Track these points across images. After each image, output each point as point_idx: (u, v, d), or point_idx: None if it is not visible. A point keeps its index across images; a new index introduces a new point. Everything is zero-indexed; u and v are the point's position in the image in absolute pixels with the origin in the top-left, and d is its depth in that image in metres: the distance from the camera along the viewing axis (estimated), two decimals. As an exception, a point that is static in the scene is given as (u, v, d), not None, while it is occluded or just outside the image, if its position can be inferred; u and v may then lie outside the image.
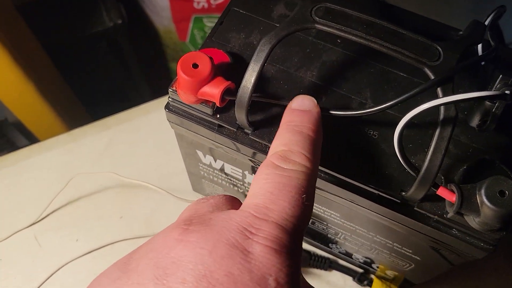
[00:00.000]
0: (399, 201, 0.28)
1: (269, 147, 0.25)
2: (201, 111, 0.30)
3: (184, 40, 0.93)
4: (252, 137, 0.30)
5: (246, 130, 0.30)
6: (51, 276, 0.43)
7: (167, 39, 0.94)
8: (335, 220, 0.35)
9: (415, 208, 0.28)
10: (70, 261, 0.44)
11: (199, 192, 0.46)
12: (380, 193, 0.28)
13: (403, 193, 0.28)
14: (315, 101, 0.24)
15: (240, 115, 0.28)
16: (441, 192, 0.26)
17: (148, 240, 0.20)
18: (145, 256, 0.18)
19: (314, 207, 0.32)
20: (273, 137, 0.24)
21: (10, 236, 0.45)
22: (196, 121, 0.31)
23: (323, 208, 0.34)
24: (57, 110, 0.67)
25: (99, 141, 0.50)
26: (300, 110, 0.23)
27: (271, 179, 0.20)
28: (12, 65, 0.56)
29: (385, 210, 0.28)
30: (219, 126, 0.30)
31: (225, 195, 0.22)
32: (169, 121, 0.32)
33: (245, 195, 0.40)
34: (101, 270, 0.42)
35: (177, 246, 0.18)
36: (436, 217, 0.27)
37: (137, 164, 0.48)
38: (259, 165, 0.28)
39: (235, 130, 0.30)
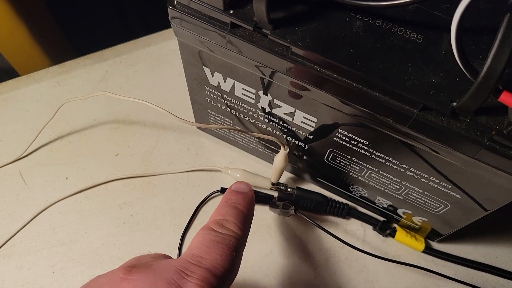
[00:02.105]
0: (447, 114, 0.23)
1: (290, 50, 0.25)
2: (210, 5, 0.25)
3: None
4: (272, 38, 0.25)
5: (264, 30, 0.25)
6: (37, 216, 0.39)
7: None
8: (362, 151, 0.31)
9: (467, 122, 0.23)
10: (58, 200, 0.39)
11: (203, 130, 0.42)
12: (426, 104, 0.23)
13: (454, 103, 0.23)
14: (250, 185, 0.29)
15: (259, 6, 0.23)
16: (505, 98, 0.21)
17: (92, 279, 0.22)
18: None
19: (335, 138, 0.31)
20: (296, 38, 0.24)
21: (-8, 171, 0.40)
22: (205, 19, 0.26)
23: (349, 135, 0.30)
24: (42, 45, 0.61)
25: (94, 73, 0.45)
26: (237, 192, 0.28)
27: (207, 237, 0.24)
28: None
29: (429, 127, 0.24)
30: (232, 25, 0.25)
31: (163, 254, 0.26)
32: (173, 24, 0.28)
33: (256, 127, 0.35)
34: (93, 211, 0.38)
35: (121, 283, 0.21)
36: (493, 133, 0.23)
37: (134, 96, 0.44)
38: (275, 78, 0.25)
39: (252, 29, 0.25)
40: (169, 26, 0.28)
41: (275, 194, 0.39)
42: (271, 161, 0.40)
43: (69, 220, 0.39)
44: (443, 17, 0.25)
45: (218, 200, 0.40)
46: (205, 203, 0.39)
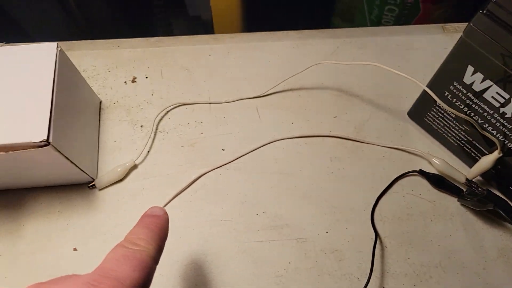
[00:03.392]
0: None
1: None
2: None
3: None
4: None
5: None
6: (264, 145, 0.47)
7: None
8: None
9: None
10: (283, 139, 0.48)
11: (412, 119, 0.48)
12: None
13: None
14: (164, 210, 0.32)
15: None
16: None
17: None
18: None
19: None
20: None
21: (235, 101, 0.50)
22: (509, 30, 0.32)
23: None
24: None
25: (327, 46, 0.53)
26: (152, 215, 0.30)
27: (118, 253, 0.26)
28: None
29: None
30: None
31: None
32: (472, 26, 0.34)
33: (481, 127, 0.41)
34: (309, 155, 0.45)
35: None
36: None
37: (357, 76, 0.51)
38: None
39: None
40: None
41: (464, 189, 0.45)
42: (468, 161, 0.45)
43: (289, 156, 0.47)
44: None
45: (414, 179, 0.46)
46: (402, 178, 0.46)
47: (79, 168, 0.41)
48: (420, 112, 0.47)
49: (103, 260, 0.25)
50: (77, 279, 0.23)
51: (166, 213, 0.32)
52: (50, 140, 0.35)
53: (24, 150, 0.36)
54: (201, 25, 0.87)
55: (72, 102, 0.41)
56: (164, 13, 0.90)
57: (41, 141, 0.35)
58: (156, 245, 0.28)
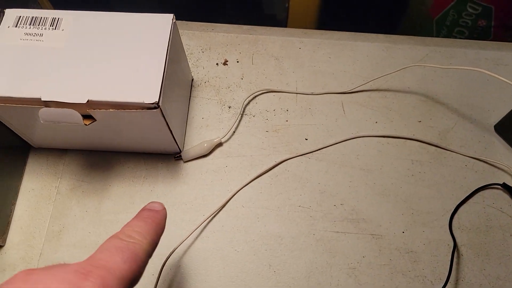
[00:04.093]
0: None
1: None
2: None
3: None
4: None
5: None
6: (347, 140, 0.48)
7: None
8: None
9: None
10: (367, 136, 0.48)
11: (498, 133, 0.48)
12: None
13: None
14: (163, 205, 0.32)
15: None
16: None
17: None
18: None
19: None
20: None
21: (321, 94, 0.50)
22: None
23: None
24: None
25: (415, 52, 0.53)
26: (150, 209, 0.31)
27: (112, 244, 0.26)
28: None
29: None
30: None
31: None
32: None
33: None
34: (391, 155, 0.46)
35: (16, 284, 0.22)
36: None
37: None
38: None
39: None
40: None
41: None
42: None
43: (370, 154, 0.47)
44: None
45: (496, 192, 0.45)
46: (483, 189, 0.46)
47: (173, 137, 0.43)
48: (509, 126, 0.47)
49: (96, 250, 0.26)
50: (67, 267, 0.23)
51: (164, 208, 0.32)
52: (160, 103, 0.37)
53: (134, 110, 0.38)
54: (273, 24, 0.89)
55: (176, 73, 0.43)
56: (238, 9, 0.93)
57: (152, 103, 0.37)
58: (150, 239, 0.28)
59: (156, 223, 0.29)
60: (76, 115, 0.38)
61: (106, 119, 0.40)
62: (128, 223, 0.29)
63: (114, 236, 0.27)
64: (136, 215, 0.30)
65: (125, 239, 0.26)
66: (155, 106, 0.37)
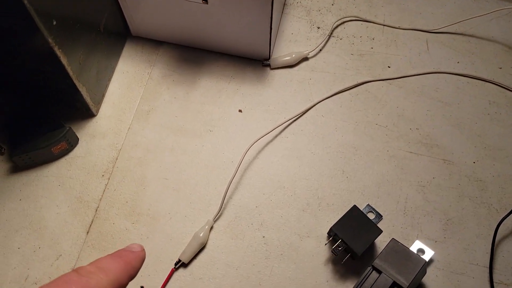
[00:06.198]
0: None
1: None
2: None
3: None
4: None
5: None
6: (428, 73, 0.50)
7: None
8: None
9: None
10: (448, 72, 0.50)
11: None
12: None
13: None
14: (143, 246, 0.31)
15: None
16: None
17: None
18: None
19: None
20: None
21: (408, 29, 0.52)
22: None
23: None
24: None
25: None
26: (126, 250, 0.30)
27: (64, 277, 0.24)
28: None
29: None
30: None
31: None
32: None
33: None
34: (471, 95, 0.47)
35: None
36: None
37: None
38: None
39: None
40: None
41: None
42: None
43: (450, 89, 0.49)
44: None
45: None
46: None
47: (270, 35, 0.45)
48: None
49: (49, 283, 0.25)
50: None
51: (143, 250, 0.31)
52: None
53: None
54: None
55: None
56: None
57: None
58: (113, 277, 0.26)
59: (126, 262, 0.28)
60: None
61: (220, 3, 0.42)
62: (97, 259, 0.28)
63: (74, 270, 0.26)
64: (114, 253, 0.29)
65: (83, 274, 0.25)
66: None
